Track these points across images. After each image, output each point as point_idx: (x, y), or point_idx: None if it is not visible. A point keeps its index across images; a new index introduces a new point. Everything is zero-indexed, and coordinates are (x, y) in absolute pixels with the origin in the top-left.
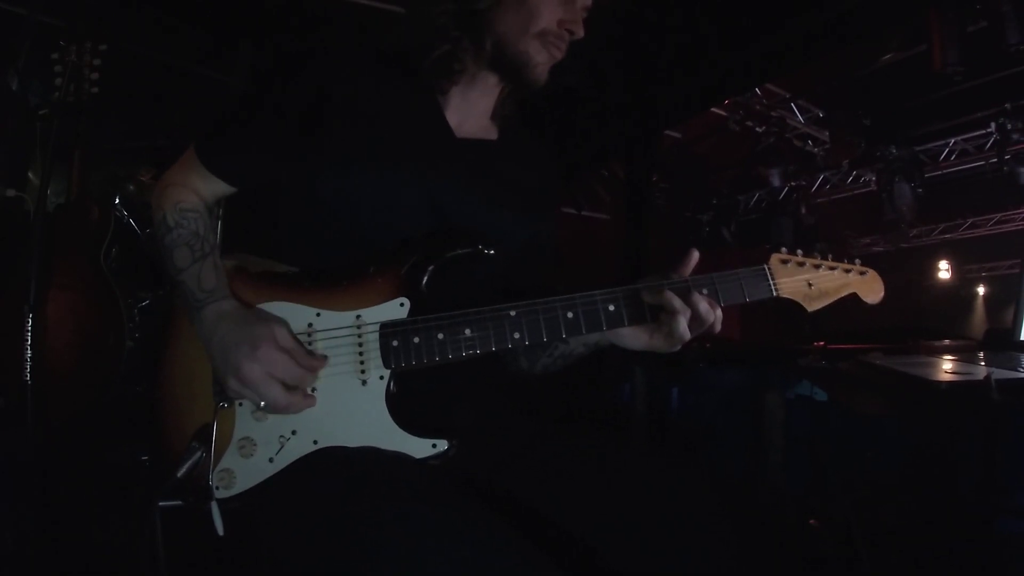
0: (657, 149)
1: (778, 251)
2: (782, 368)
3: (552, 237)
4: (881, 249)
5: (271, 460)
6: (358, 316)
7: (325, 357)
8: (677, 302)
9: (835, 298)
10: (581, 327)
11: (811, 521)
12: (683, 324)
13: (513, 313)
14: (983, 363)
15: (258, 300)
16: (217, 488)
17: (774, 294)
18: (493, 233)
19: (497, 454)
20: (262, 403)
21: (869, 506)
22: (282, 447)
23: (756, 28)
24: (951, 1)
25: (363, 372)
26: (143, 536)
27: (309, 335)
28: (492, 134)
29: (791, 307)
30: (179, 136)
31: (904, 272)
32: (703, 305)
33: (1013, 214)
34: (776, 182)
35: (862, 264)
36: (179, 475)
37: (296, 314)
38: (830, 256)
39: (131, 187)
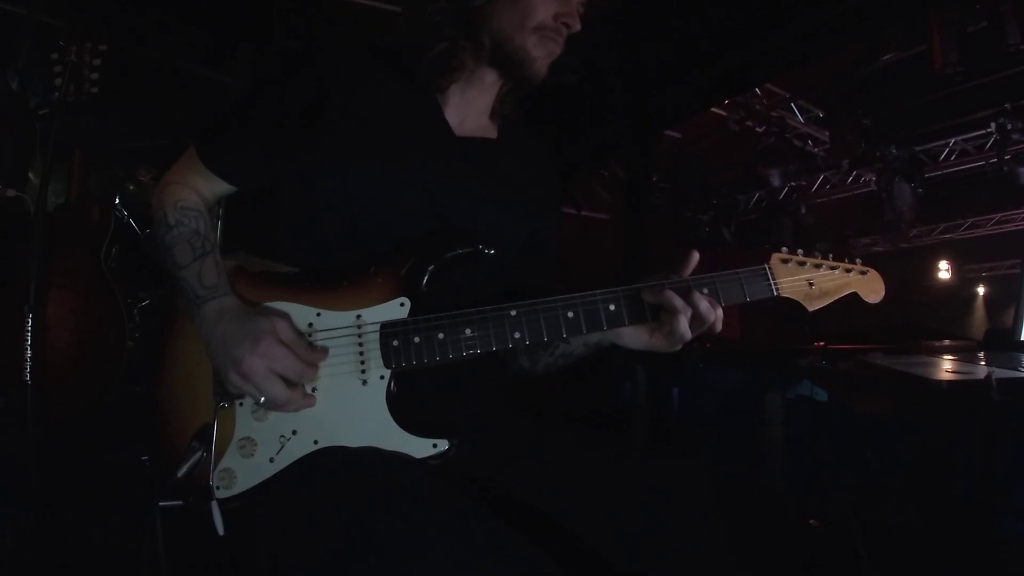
0: (657, 149)
1: (778, 251)
2: (782, 368)
3: (552, 236)
4: (881, 249)
5: (272, 460)
6: (358, 316)
7: (326, 349)
8: (678, 301)
9: (836, 297)
10: (582, 327)
11: (811, 521)
12: (683, 323)
13: (514, 313)
14: (983, 363)
15: (258, 300)
16: (218, 488)
17: (775, 294)
18: (493, 232)
19: (498, 454)
20: (262, 399)
21: (869, 506)
22: (283, 447)
23: (756, 28)
24: (951, 1)
25: (363, 372)
26: (143, 536)
27: (310, 335)
28: (491, 133)
29: (792, 307)
30: (179, 136)
31: (904, 272)
32: (703, 304)
33: (1013, 214)
34: (776, 182)
35: (863, 264)
36: (179, 475)
37: (296, 314)
38: (831, 256)
39: (131, 187)
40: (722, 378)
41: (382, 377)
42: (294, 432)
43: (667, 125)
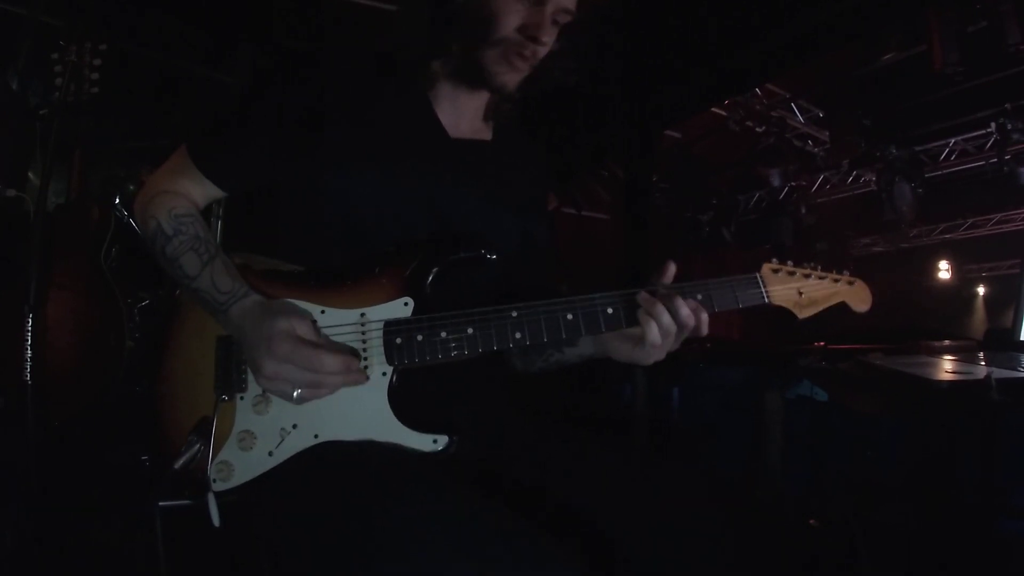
0: (657, 149)
1: (769, 261)
2: (782, 368)
3: (545, 237)
4: (881, 249)
5: (271, 453)
6: (362, 314)
7: (353, 349)
8: (657, 307)
9: (824, 306)
10: (580, 328)
11: (811, 521)
12: (655, 331)
13: (515, 314)
14: (983, 363)
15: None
16: (215, 480)
17: (766, 301)
18: (489, 231)
19: (498, 452)
20: (295, 395)
21: (869, 506)
22: (282, 440)
23: (756, 28)
24: (951, 1)
25: (366, 368)
26: (143, 536)
27: None
28: (486, 135)
29: (787, 312)
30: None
31: (904, 272)
32: (684, 311)
33: (1013, 214)
34: (776, 182)
35: (851, 274)
36: (176, 467)
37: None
38: (819, 266)
39: (131, 187)
40: (722, 378)
41: (384, 374)
42: (294, 426)
43: (667, 125)
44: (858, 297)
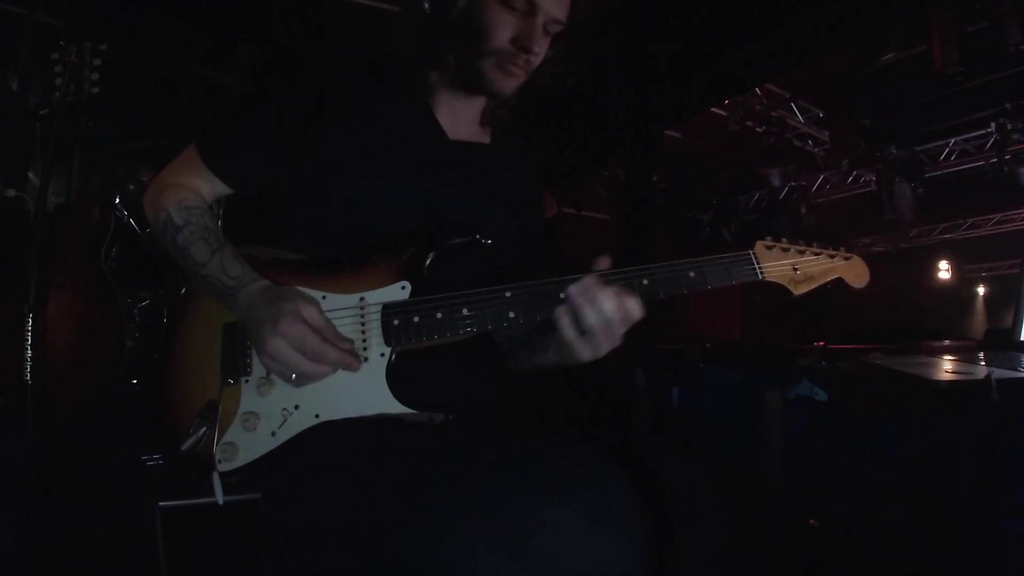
0: (657, 149)
1: (763, 239)
2: (782, 368)
3: (539, 234)
4: (881, 249)
5: (273, 434)
6: (361, 298)
7: (351, 341)
8: (575, 293)
9: (821, 282)
10: None
11: (811, 521)
12: (565, 321)
13: (508, 294)
14: (983, 363)
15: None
16: (220, 461)
17: (760, 278)
18: (486, 227)
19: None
20: (293, 375)
21: (869, 506)
22: (284, 420)
23: (756, 28)
24: (951, 1)
25: (365, 349)
26: (143, 536)
27: None
28: (484, 138)
29: (791, 306)
30: (179, 136)
31: (904, 272)
32: (608, 303)
33: (1013, 214)
34: (776, 182)
35: (847, 250)
36: (184, 448)
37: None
38: (814, 243)
39: (131, 187)
40: (722, 378)
41: (382, 354)
42: (296, 406)
43: (667, 125)
44: (855, 273)
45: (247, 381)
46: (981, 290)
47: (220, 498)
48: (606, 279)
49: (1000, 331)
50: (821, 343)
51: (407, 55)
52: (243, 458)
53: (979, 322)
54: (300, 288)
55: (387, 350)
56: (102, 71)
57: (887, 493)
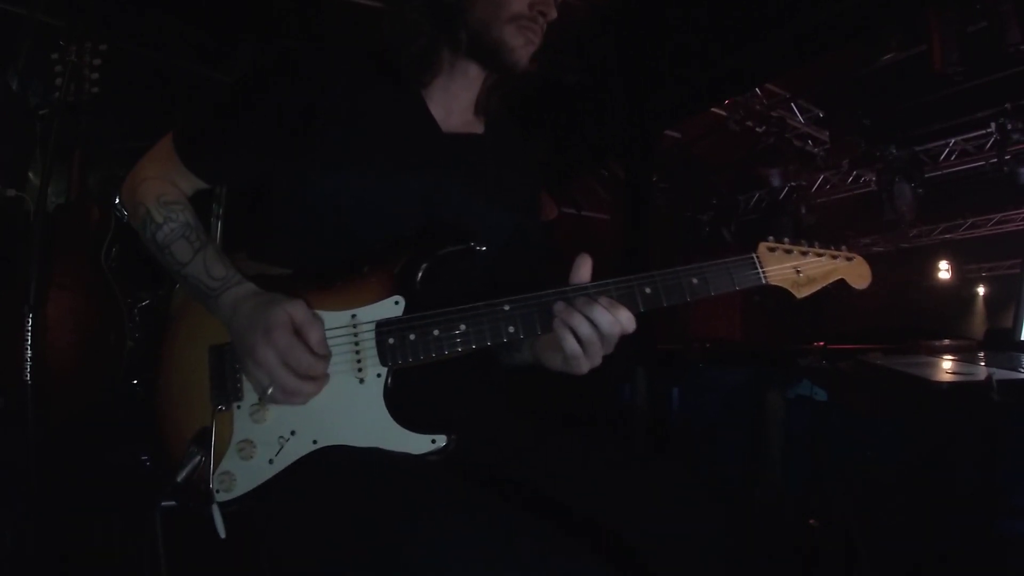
0: (657, 149)
1: (765, 240)
2: (782, 368)
3: (538, 230)
4: (881, 249)
5: (271, 462)
6: (353, 315)
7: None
8: (574, 317)
9: (823, 284)
10: None
11: (811, 521)
12: (571, 340)
13: (507, 308)
14: (983, 363)
15: None
16: (218, 491)
17: (763, 282)
18: (481, 226)
19: (497, 451)
20: (270, 389)
21: (869, 506)
22: (281, 448)
23: (756, 28)
24: (951, 1)
25: (360, 371)
26: (143, 536)
27: None
28: (478, 128)
29: (791, 307)
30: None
31: (904, 272)
32: (605, 318)
33: (1013, 214)
34: (776, 182)
35: (848, 250)
36: (179, 479)
37: None
38: (816, 243)
39: None
40: (722, 378)
41: (379, 375)
42: (292, 433)
43: (667, 125)
44: (857, 273)
45: (239, 407)
46: (981, 290)
47: (222, 531)
48: (607, 289)
49: (1000, 331)
50: (821, 343)
51: (398, 47)
52: (241, 487)
53: (979, 322)
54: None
55: (383, 370)
56: (102, 71)
57: (887, 493)
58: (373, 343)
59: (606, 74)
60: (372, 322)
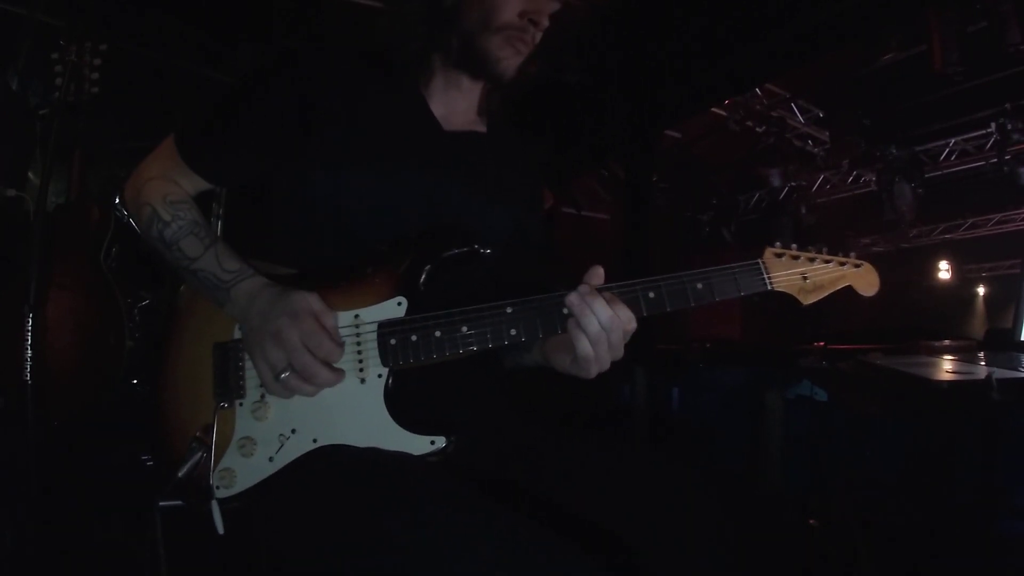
0: (657, 149)
1: (772, 246)
2: (782, 368)
3: (539, 229)
4: (881, 249)
5: (271, 459)
6: (356, 316)
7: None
8: (585, 315)
9: (830, 291)
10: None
11: (811, 521)
12: (584, 341)
13: (509, 310)
14: (983, 363)
15: None
16: (218, 488)
17: (768, 288)
18: (482, 225)
19: (496, 453)
20: (285, 373)
21: (869, 506)
22: (282, 446)
23: (756, 28)
24: (951, 1)
25: (362, 371)
26: (143, 536)
27: None
28: (480, 127)
29: (792, 308)
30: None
31: (904, 272)
32: (605, 312)
33: (1013, 214)
34: (776, 182)
35: (857, 257)
36: (180, 475)
37: None
38: (824, 249)
39: None
40: (722, 378)
41: (380, 375)
42: (293, 431)
43: (667, 125)
44: (865, 281)
45: (241, 404)
46: (981, 290)
47: (220, 527)
48: (610, 292)
49: (1000, 331)
50: (821, 343)
51: (399, 47)
52: (241, 484)
53: (979, 322)
54: None
55: (384, 371)
56: (102, 71)
57: (887, 493)
58: (375, 343)
59: (606, 74)
60: (374, 323)
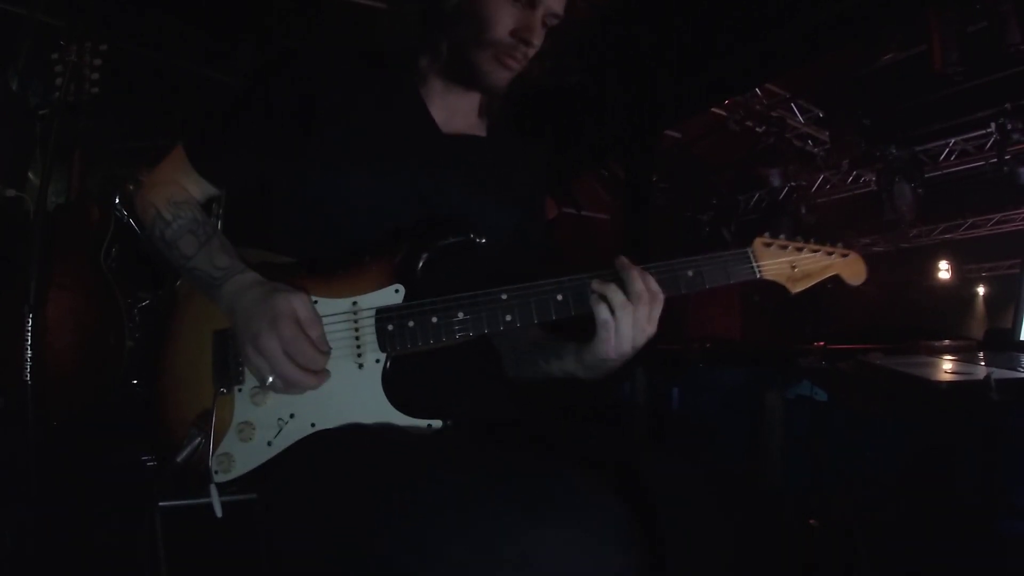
0: (657, 149)
1: (762, 235)
2: (782, 368)
3: (539, 231)
4: (881, 249)
5: (269, 444)
6: (354, 303)
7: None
8: (609, 287)
9: (818, 279)
10: (570, 309)
11: (811, 521)
12: (628, 315)
13: (504, 296)
14: (983, 363)
15: None
16: (216, 472)
17: (757, 276)
18: (481, 224)
19: (494, 440)
20: (270, 378)
21: (869, 506)
22: (280, 430)
23: (756, 28)
24: (951, 1)
25: (359, 356)
26: (143, 536)
27: None
28: (480, 130)
29: (791, 307)
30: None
31: (904, 272)
32: (637, 284)
33: (1013, 214)
34: (776, 182)
35: (844, 247)
36: (179, 460)
37: None
38: (812, 239)
39: (131, 187)
40: (722, 378)
41: (377, 361)
42: (292, 416)
43: (667, 125)
44: (852, 270)
45: (240, 390)
46: (981, 290)
47: (219, 510)
48: (602, 278)
49: (1000, 331)
50: (821, 343)
51: (400, 49)
52: (239, 469)
53: (979, 322)
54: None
55: (382, 356)
56: (102, 71)
57: (887, 493)
58: (373, 330)
59: (606, 74)
60: (372, 309)
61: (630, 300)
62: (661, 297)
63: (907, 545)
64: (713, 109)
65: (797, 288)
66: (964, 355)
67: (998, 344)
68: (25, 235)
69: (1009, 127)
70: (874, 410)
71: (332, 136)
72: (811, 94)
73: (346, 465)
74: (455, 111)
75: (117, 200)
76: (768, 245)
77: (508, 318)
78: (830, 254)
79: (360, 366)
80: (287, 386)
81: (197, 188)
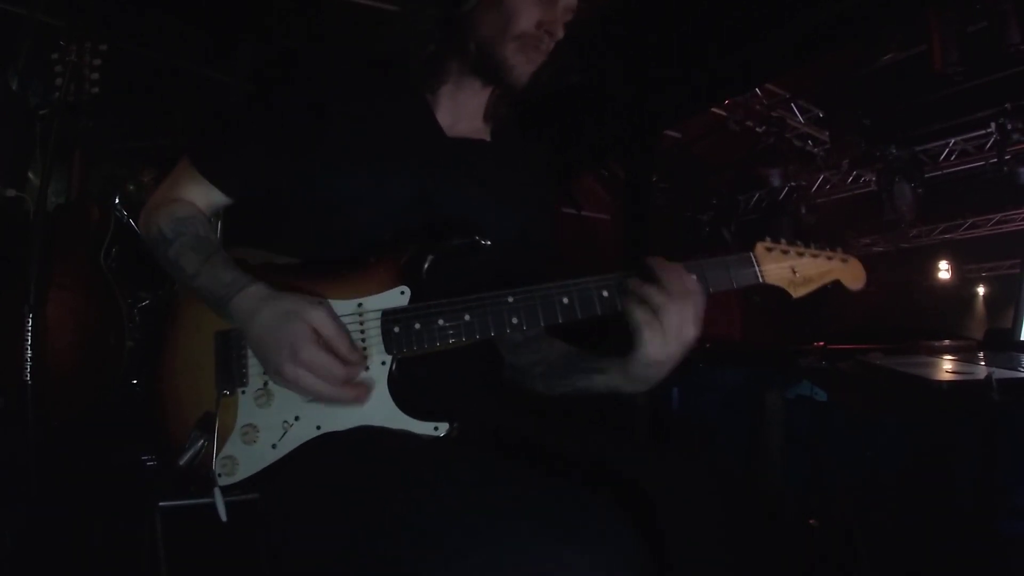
0: (657, 149)
1: (763, 240)
2: (782, 368)
3: (544, 235)
4: (881, 249)
5: (274, 446)
6: (360, 304)
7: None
8: (645, 288)
9: (819, 284)
10: (576, 312)
11: (811, 521)
12: (673, 314)
13: (511, 299)
14: (983, 363)
15: None
16: (220, 475)
17: (760, 280)
18: (485, 225)
19: (498, 443)
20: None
21: (869, 506)
22: (285, 433)
23: (755, 28)
24: (951, 1)
25: (366, 358)
26: (144, 536)
27: None
28: (485, 135)
29: (791, 307)
30: (179, 136)
31: (904, 272)
32: (678, 284)
33: (1013, 214)
34: (776, 182)
35: (844, 252)
36: (181, 463)
37: None
38: (813, 244)
39: (131, 187)
40: (722, 378)
41: (384, 363)
42: (296, 418)
43: (667, 125)
44: (852, 275)
45: (243, 392)
46: (981, 290)
47: (223, 514)
48: (607, 283)
49: (1000, 331)
50: (821, 343)
51: (407, 53)
52: (243, 472)
53: (979, 322)
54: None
55: (388, 358)
56: (102, 71)
57: (887, 493)
58: (379, 332)
59: (606, 74)
60: (378, 311)
61: (672, 298)
62: (702, 295)
63: (907, 545)
64: (713, 109)
65: (799, 293)
66: (964, 355)
67: (998, 344)
68: (25, 235)
69: (1009, 127)
70: (874, 410)
71: (338, 139)
72: (811, 94)
73: (352, 468)
74: (461, 115)
75: (117, 200)
76: (770, 249)
77: (515, 320)
78: (830, 259)
79: (366, 368)
80: (333, 405)
81: (204, 198)
